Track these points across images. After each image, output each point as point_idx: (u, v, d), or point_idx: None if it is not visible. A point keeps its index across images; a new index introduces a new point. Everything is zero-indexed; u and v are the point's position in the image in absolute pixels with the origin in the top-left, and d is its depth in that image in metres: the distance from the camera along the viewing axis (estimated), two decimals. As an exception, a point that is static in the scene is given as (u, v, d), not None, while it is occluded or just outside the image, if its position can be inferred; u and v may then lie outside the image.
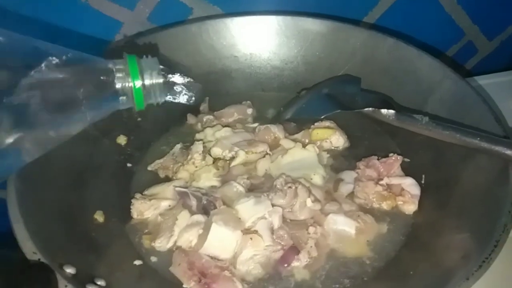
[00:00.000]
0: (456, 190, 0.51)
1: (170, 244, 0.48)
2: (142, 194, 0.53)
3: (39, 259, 0.35)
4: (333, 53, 0.68)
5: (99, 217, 0.49)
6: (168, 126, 0.64)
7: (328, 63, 0.68)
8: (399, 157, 0.54)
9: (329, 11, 0.74)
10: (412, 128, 0.52)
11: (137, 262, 0.46)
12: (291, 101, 0.63)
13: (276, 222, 0.48)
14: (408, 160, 0.57)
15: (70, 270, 0.36)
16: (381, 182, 0.52)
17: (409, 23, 0.81)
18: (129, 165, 0.58)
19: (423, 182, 0.54)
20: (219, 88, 0.70)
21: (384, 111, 0.52)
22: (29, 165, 0.44)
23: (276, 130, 0.60)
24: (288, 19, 0.69)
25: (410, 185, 0.52)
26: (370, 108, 0.54)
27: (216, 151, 0.58)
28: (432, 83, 0.60)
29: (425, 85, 0.60)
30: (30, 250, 0.36)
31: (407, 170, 0.55)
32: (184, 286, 0.44)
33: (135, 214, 0.51)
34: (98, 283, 0.37)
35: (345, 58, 0.67)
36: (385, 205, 0.51)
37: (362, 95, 0.57)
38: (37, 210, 0.42)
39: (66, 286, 0.34)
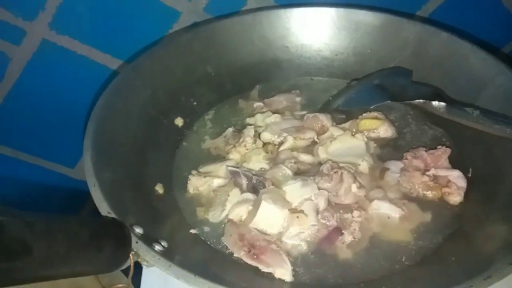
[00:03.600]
0: (503, 184, 0.51)
1: (222, 217, 0.52)
2: (197, 171, 0.57)
3: (112, 217, 0.40)
4: (384, 46, 0.69)
5: (159, 189, 0.54)
6: (220, 109, 0.68)
7: (378, 55, 0.69)
8: (447, 150, 0.55)
9: (382, 4, 0.74)
10: (462, 121, 0.52)
11: (192, 231, 0.51)
12: (340, 91, 0.64)
13: (322, 204, 0.51)
14: (456, 152, 0.57)
15: (138, 230, 0.41)
16: (427, 173, 0.53)
17: (463, 17, 0.79)
18: (184, 143, 0.63)
19: (469, 175, 0.55)
20: (269, 76, 0.72)
21: (435, 103, 0.53)
22: (102, 139, 0.50)
23: (324, 119, 0.62)
24: (340, 11, 0.70)
25: (457, 177, 0.53)
26: (421, 100, 0.54)
27: (266, 136, 0.61)
28: (485, 78, 0.59)
29: (477, 80, 0.60)
30: (105, 210, 0.41)
31: (454, 163, 0.56)
32: (234, 255, 0.48)
33: (191, 188, 0.55)
34: (162, 243, 0.41)
35: (396, 51, 0.68)
36: (431, 195, 0.52)
37: (413, 87, 0.58)
38: (109, 178, 0.47)
39: (137, 242, 0.39)
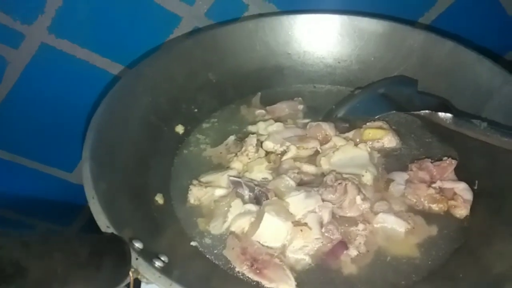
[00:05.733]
0: (510, 197, 0.50)
1: (223, 229, 0.51)
2: (198, 181, 0.56)
3: (112, 233, 0.39)
4: (388, 54, 0.68)
5: (159, 199, 0.53)
6: (221, 117, 0.67)
7: (382, 63, 0.68)
8: (453, 161, 0.54)
9: (384, 11, 0.74)
10: (469, 133, 0.51)
11: (193, 243, 0.49)
12: (344, 99, 0.63)
13: (326, 216, 0.50)
14: (462, 164, 0.56)
15: (138, 244, 0.40)
16: (433, 185, 0.52)
17: (465, 25, 0.79)
18: (185, 151, 0.62)
19: (475, 187, 0.54)
20: (271, 83, 0.72)
21: (441, 114, 0.52)
22: (102, 148, 0.49)
23: (327, 128, 0.61)
24: (344, 18, 0.70)
25: (463, 190, 0.52)
26: (427, 111, 0.54)
27: (268, 145, 0.60)
28: (491, 88, 0.58)
29: (483, 90, 0.59)
30: (104, 224, 0.40)
31: (460, 175, 0.55)
32: (236, 269, 0.46)
33: (192, 199, 0.54)
34: (162, 258, 0.40)
35: (400, 59, 0.67)
36: (437, 208, 0.51)
37: (419, 97, 0.57)
38: (108, 190, 0.45)
39: (137, 259, 0.37)
